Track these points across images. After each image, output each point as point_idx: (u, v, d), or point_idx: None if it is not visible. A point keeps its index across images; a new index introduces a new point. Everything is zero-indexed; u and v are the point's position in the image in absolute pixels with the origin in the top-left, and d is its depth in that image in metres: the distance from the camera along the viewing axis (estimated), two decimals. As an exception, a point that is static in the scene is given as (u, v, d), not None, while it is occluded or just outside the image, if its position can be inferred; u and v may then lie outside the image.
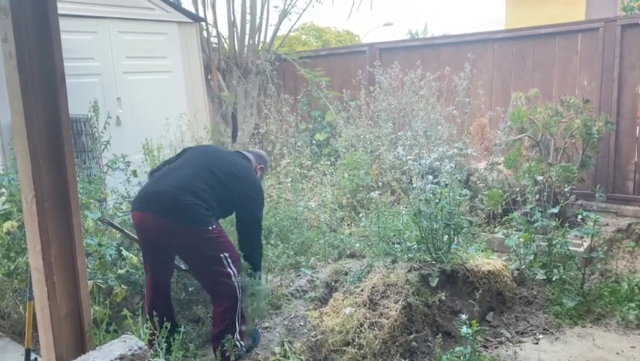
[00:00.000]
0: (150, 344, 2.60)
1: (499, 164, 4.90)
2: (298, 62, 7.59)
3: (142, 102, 5.99)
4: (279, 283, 3.76)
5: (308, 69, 7.44)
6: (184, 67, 6.49)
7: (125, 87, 5.83)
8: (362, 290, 3.13)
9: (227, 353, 2.64)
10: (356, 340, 2.76)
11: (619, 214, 5.26)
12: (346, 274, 3.76)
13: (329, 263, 4.14)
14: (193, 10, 7.13)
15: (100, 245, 3.20)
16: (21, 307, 3.37)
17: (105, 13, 5.62)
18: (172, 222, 2.74)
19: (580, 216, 3.93)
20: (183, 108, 6.39)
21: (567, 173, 4.41)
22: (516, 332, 3.33)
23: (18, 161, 1.98)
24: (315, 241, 4.37)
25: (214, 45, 7.70)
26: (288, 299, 3.53)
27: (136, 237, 3.13)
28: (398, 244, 3.78)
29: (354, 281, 3.40)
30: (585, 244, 4.12)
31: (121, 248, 3.40)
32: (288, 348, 2.92)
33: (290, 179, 5.74)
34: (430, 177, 3.44)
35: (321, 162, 6.20)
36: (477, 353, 2.67)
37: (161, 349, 2.44)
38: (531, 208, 3.89)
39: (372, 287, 3.06)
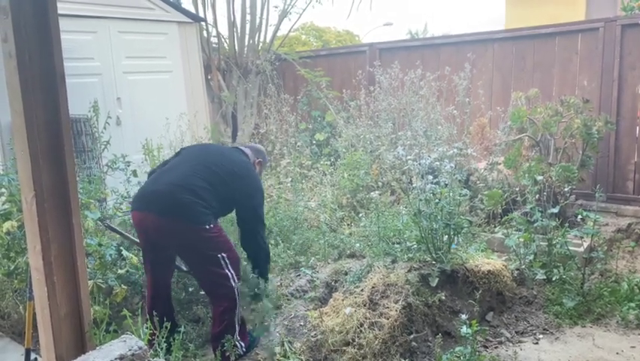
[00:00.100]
0: (150, 344, 2.60)
1: (499, 164, 4.90)
2: (298, 62, 7.59)
3: (142, 102, 5.99)
4: (279, 283, 3.76)
5: (308, 69, 7.44)
6: (184, 67, 6.49)
7: (125, 87, 5.83)
8: (362, 290, 3.13)
9: (227, 353, 2.64)
10: (356, 340, 2.76)
11: (619, 214, 5.26)
12: (346, 274, 3.75)
13: (329, 263, 4.14)
14: (193, 10, 7.13)
15: (100, 245, 3.20)
16: (21, 307, 3.37)
17: (105, 13, 5.62)
18: (170, 220, 2.72)
19: (580, 216, 3.94)
20: (183, 108, 6.39)
21: (567, 173, 4.41)
22: (516, 332, 3.33)
23: (18, 161, 1.98)
24: (315, 240, 4.37)
25: (214, 45, 7.70)
26: (288, 299, 3.53)
27: (136, 239, 3.13)
28: (398, 243, 3.78)
29: (354, 281, 3.40)
30: (585, 244, 4.12)
31: (121, 248, 3.40)
32: (288, 348, 2.92)
33: (290, 179, 5.74)
34: (430, 177, 3.44)
35: (321, 162, 6.20)
36: (477, 353, 2.67)
37: (161, 349, 2.44)
38: (531, 208, 3.89)
39: (372, 287, 3.06)
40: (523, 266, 3.83)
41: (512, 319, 3.47)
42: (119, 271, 3.28)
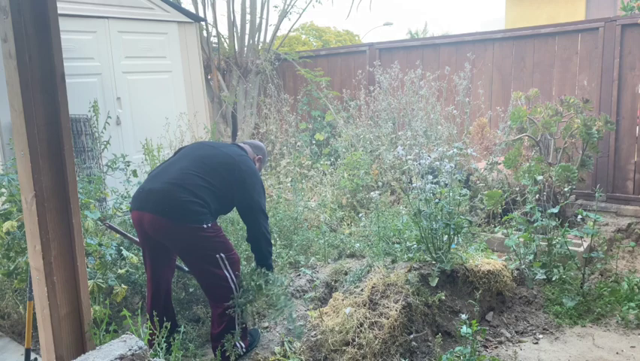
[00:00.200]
0: (150, 343, 2.61)
1: (499, 164, 4.90)
2: (298, 61, 7.59)
3: (142, 102, 5.99)
4: (278, 283, 3.76)
5: (308, 69, 7.45)
6: (184, 67, 6.49)
7: (124, 87, 5.84)
8: (362, 290, 3.13)
9: (227, 353, 2.64)
10: (356, 340, 2.76)
11: (619, 214, 5.27)
12: (346, 274, 3.76)
13: (329, 263, 4.14)
14: (193, 10, 7.14)
15: (100, 245, 3.20)
16: (21, 307, 3.37)
17: (105, 13, 5.62)
18: (167, 220, 2.70)
19: (580, 216, 3.94)
20: (183, 108, 6.40)
21: (567, 173, 4.41)
22: (516, 332, 3.33)
23: (18, 161, 1.98)
24: (315, 240, 4.37)
25: (214, 45, 7.70)
26: (287, 299, 3.53)
27: (136, 239, 3.13)
28: (398, 243, 3.78)
29: (354, 281, 3.40)
30: (585, 244, 4.12)
31: (121, 248, 3.40)
32: (288, 348, 2.92)
33: (290, 179, 5.75)
34: (430, 176, 3.44)
35: (321, 162, 6.20)
36: (477, 353, 2.67)
37: (161, 349, 2.44)
38: (531, 208, 3.89)
39: (372, 287, 3.06)
40: (523, 266, 3.84)
41: (512, 319, 3.47)
42: (119, 271, 3.28)
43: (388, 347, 2.76)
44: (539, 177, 4.23)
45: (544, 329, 3.33)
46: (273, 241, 4.25)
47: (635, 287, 3.59)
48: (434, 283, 3.18)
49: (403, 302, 2.92)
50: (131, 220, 3.14)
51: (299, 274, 3.93)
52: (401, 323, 2.85)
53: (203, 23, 7.29)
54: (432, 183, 3.40)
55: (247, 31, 7.66)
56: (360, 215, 4.64)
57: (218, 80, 7.51)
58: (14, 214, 3.21)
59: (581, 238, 4.10)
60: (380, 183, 5.40)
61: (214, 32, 7.70)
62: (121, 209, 3.86)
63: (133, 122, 5.90)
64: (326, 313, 3.03)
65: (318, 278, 3.82)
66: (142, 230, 2.85)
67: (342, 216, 5.07)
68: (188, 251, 2.81)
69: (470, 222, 3.78)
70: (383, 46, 7.11)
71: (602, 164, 5.42)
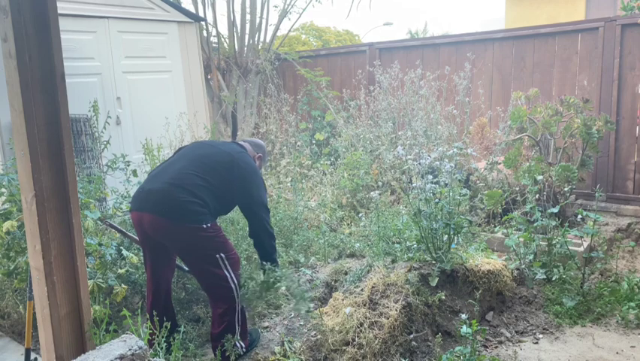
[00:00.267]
0: (150, 343, 2.61)
1: (499, 163, 4.90)
2: (298, 61, 7.59)
3: (142, 102, 5.99)
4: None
5: (308, 69, 7.45)
6: (184, 67, 6.49)
7: (124, 87, 5.84)
8: (362, 290, 3.13)
9: (227, 353, 2.64)
10: (356, 339, 2.76)
11: (619, 214, 5.27)
12: (346, 273, 3.76)
13: (329, 263, 4.14)
14: (193, 10, 7.13)
15: (100, 245, 3.20)
16: (21, 306, 3.37)
17: (105, 13, 5.62)
18: (166, 220, 2.70)
19: (580, 216, 3.94)
20: (183, 108, 6.40)
21: (567, 172, 4.41)
22: (516, 332, 3.33)
23: (18, 161, 1.98)
24: (315, 240, 4.37)
25: (214, 45, 7.70)
26: (288, 299, 3.53)
27: (136, 238, 3.13)
28: (398, 243, 3.78)
29: (354, 281, 3.41)
30: (585, 244, 4.12)
31: (121, 248, 3.40)
32: (288, 348, 2.92)
33: (290, 179, 5.75)
34: (430, 176, 3.44)
35: (321, 162, 6.21)
36: (477, 353, 2.67)
37: (161, 349, 2.44)
38: (531, 208, 3.89)
39: (372, 287, 3.06)
40: (523, 266, 3.84)
41: (512, 318, 3.47)
42: (119, 271, 3.28)
43: (388, 347, 2.76)
44: (539, 177, 4.23)
45: (544, 329, 3.34)
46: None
47: (635, 287, 3.59)
48: (434, 282, 3.18)
49: (403, 302, 2.92)
50: (131, 220, 3.14)
51: (299, 274, 3.93)
52: (401, 323, 2.85)
53: (203, 23, 7.29)
54: (432, 182, 3.40)
55: (247, 31, 7.66)
56: (360, 215, 4.64)
57: (218, 80, 7.51)
58: (14, 214, 3.21)
59: (581, 237, 4.10)
60: (380, 183, 5.40)
61: (214, 32, 7.70)
62: (121, 209, 3.86)
63: (133, 122, 5.90)
64: (326, 313, 3.03)
65: (318, 278, 3.82)
66: (142, 230, 2.84)
67: (342, 216, 5.07)
68: (188, 251, 2.80)
69: (470, 222, 3.79)
70: (383, 46, 7.11)
71: (602, 164, 5.42)
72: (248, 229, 3.07)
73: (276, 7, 7.93)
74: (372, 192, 4.11)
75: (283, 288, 3.03)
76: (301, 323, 3.19)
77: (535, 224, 3.82)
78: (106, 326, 2.68)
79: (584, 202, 5.30)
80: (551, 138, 4.95)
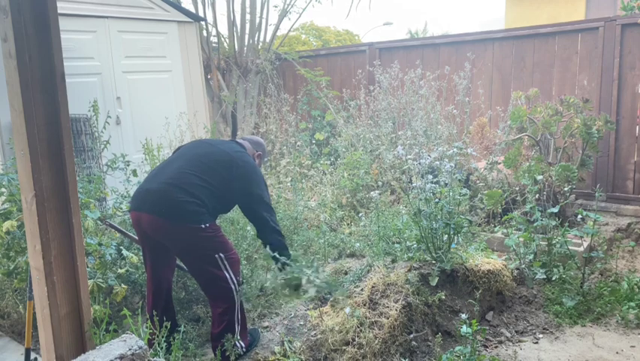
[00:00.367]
0: (150, 343, 2.61)
1: (499, 163, 4.90)
2: (298, 61, 7.59)
3: (142, 102, 5.99)
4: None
5: (308, 69, 7.45)
6: (184, 66, 6.49)
7: (124, 87, 5.84)
8: (362, 290, 3.13)
9: (227, 353, 2.64)
10: (356, 339, 2.76)
11: (619, 214, 5.27)
12: (346, 273, 3.76)
13: (329, 263, 4.14)
14: (193, 10, 7.13)
15: (100, 245, 3.20)
16: (21, 306, 3.37)
17: (105, 13, 5.62)
18: (165, 220, 2.69)
19: (580, 216, 3.94)
20: (183, 108, 6.40)
21: (567, 172, 4.41)
22: (516, 332, 3.33)
23: (18, 161, 1.98)
24: (315, 240, 4.37)
25: (214, 44, 7.70)
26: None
27: (136, 237, 3.12)
28: (398, 243, 3.78)
29: (354, 281, 3.41)
30: (585, 244, 4.12)
31: (121, 247, 3.40)
32: (288, 348, 2.92)
33: (290, 178, 5.75)
34: (430, 176, 3.44)
35: (321, 162, 6.20)
36: (477, 353, 2.67)
37: (161, 348, 2.44)
38: (531, 208, 3.89)
39: (372, 287, 3.06)
40: (523, 266, 3.84)
41: (512, 318, 3.47)
42: (119, 271, 3.28)
43: (388, 347, 2.76)
44: (539, 177, 4.23)
45: (544, 329, 3.34)
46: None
47: (635, 287, 3.59)
48: (434, 282, 3.18)
49: (403, 302, 2.92)
50: (131, 220, 3.14)
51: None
52: (401, 323, 2.85)
53: (203, 23, 7.29)
54: (432, 182, 3.40)
55: (247, 31, 7.66)
56: (360, 215, 4.64)
57: (218, 80, 7.51)
58: (14, 214, 3.21)
59: (581, 237, 4.10)
60: (380, 183, 5.40)
61: (214, 32, 7.70)
62: (121, 208, 3.86)
63: (133, 121, 5.90)
64: (326, 312, 3.03)
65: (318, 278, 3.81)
66: (141, 230, 2.84)
67: (342, 215, 5.07)
68: (187, 251, 2.79)
69: (470, 221, 3.78)
70: (383, 45, 7.11)
71: (602, 163, 5.43)
72: (255, 232, 3.01)
73: (275, 7, 7.94)
74: (372, 192, 4.11)
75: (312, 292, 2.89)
76: (301, 323, 3.19)
77: (535, 224, 3.82)
78: (106, 326, 2.67)
79: (584, 202, 5.30)
80: (551, 138, 4.95)
